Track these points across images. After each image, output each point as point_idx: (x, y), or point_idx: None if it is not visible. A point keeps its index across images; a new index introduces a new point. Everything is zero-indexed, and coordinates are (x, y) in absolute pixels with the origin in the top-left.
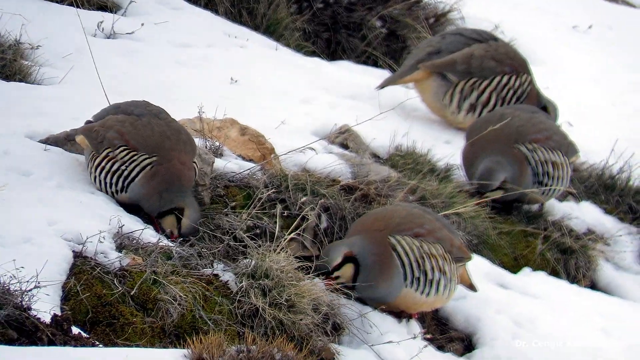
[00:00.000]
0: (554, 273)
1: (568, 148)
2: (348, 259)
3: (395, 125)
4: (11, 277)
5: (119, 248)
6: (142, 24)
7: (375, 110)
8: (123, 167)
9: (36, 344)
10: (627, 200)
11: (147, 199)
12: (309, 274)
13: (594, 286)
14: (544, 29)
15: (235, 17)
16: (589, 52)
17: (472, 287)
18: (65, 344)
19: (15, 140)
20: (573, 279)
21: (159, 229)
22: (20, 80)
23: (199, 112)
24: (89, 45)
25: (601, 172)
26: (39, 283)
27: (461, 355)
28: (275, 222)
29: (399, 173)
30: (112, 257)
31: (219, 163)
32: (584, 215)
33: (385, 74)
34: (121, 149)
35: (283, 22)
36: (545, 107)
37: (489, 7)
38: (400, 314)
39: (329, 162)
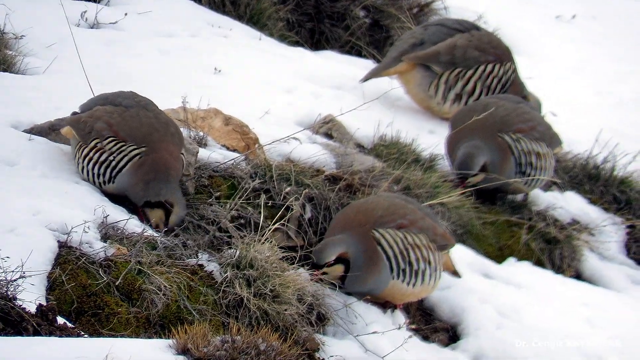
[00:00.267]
0: (539, 263)
1: (552, 139)
2: (341, 259)
3: (379, 115)
4: None
5: (104, 238)
6: (126, 14)
7: (359, 100)
8: (111, 158)
9: (21, 334)
10: (611, 190)
11: (134, 189)
12: (293, 264)
13: (578, 276)
14: (527, 18)
15: (219, 6)
16: (573, 42)
17: (455, 273)
18: (50, 334)
19: None
20: (558, 269)
21: (143, 219)
22: (4, 70)
23: (182, 102)
24: (72, 35)
25: (585, 162)
26: (24, 273)
27: (446, 345)
28: (260, 212)
29: (383, 163)
30: (97, 247)
31: (203, 153)
32: (569, 205)
33: (369, 63)
34: (109, 139)
35: (266, 12)
36: (526, 98)
37: None
38: (385, 305)
39: (313, 152)
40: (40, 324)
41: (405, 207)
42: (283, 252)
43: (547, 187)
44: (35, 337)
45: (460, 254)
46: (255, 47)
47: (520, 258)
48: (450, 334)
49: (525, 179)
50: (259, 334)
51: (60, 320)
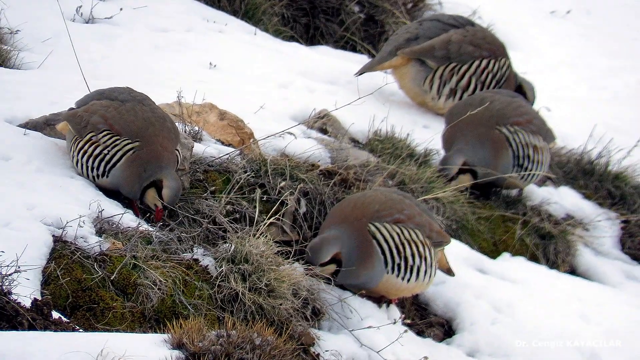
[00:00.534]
0: (533, 258)
1: (547, 134)
2: (334, 260)
3: (374, 110)
4: None
5: (99, 232)
6: (121, 9)
7: (354, 95)
8: (105, 152)
9: (16, 328)
10: (606, 185)
11: (127, 184)
12: (288, 258)
13: (573, 271)
14: (522, 14)
15: (214, 1)
16: (567, 37)
17: (449, 271)
18: (45, 328)
19: None
20: (552, 264)
21: (138, 213)
22: None
23: (177, 97)
24: (67, 30)
25: (580, 157)
26: (19, 267)
27: (441, 340)
28: (255, 207)
29: (377, 158)
30: (92, 242)
31: (198, 148)
32: (563, 200)
33: (363, 59)
34: (104, 133)
35: (261, 7)
36: (521, 86)
37: None
38: (380, 299)
39: (307, 146)
40: (35, 318)
41: (403, 202)
42: (278, 246)
43: (542, 182)
44: (30, 332)
45: (455, 249)
46: (250, 42)
47: (515, 253)
48: (445, 329)
49: (522, 174)
50: (254, 328)
51: (55, 314)
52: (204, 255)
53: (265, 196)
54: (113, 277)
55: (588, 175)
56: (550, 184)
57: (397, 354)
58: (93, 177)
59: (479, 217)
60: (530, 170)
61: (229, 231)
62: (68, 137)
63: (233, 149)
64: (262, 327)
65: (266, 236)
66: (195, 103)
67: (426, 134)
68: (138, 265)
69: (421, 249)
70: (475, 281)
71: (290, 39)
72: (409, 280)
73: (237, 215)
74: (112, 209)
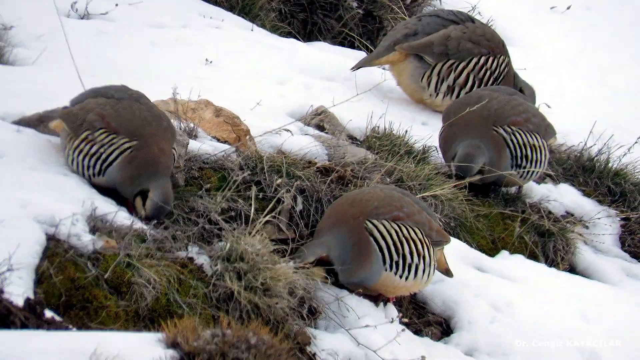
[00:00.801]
0: (532, 256)
1: (546, 130)
2: (321, 262)
3: (371, 107)
4: None
5: (93, 230)
6: (116, 5)
7: (351, 92)
8: (102, 150)
9: (9, 328)
10: (606, 182)
11: (123, 183)
12: (284, 257)
13: (572, 269)
14: (522, 10)
15: None
16: (567, 33)
17: (448, 272)
18: (38, 327)
19: None
20: (551, 263)
21: (132, 210)
22: None
23: (173, 93)
24: (62, 26)
25: (580, 154)
26: (11, 266)
27: (439, 339)
28: (251, 205)
29: (375, 155)
30: (86, 240)
31: (193, 145)
32: (563, 197)
33: (361, 55)
34: (101, 131)
35: (259, 3)
36: (522, 90)
37: None
38: (377, 298)
39: (304, 143)
40: (28, 317)
41: (402, 199)
42: (274, 244)
43: (541, 179)
44: (23, 331)
45: (454, 247)
46: (247, 38)
47: (514, 251)
48: (443, 328)
49: (521, 172)
50: (249, 327)
51: (49, 313)
52: (198, 253)
53: (261, 194)
54: (107, 275)
55: (588, 173)
56: (549, 181)
57: (394, 353)
58: (89, 175)
59: (478, 214)
60: (529, 168)
61: (224, 229)
62: (62, 135)
63: (229, 146)
64: (257, 326)
65: (262, 234)
66: (191, 99)
67: (424, 130)
68: (132, 264)
69: (420, 247)
70: (474, 279)
71: (288, 34)
72: (407, 278)
73: (233, 213)
74: (106, 206)
